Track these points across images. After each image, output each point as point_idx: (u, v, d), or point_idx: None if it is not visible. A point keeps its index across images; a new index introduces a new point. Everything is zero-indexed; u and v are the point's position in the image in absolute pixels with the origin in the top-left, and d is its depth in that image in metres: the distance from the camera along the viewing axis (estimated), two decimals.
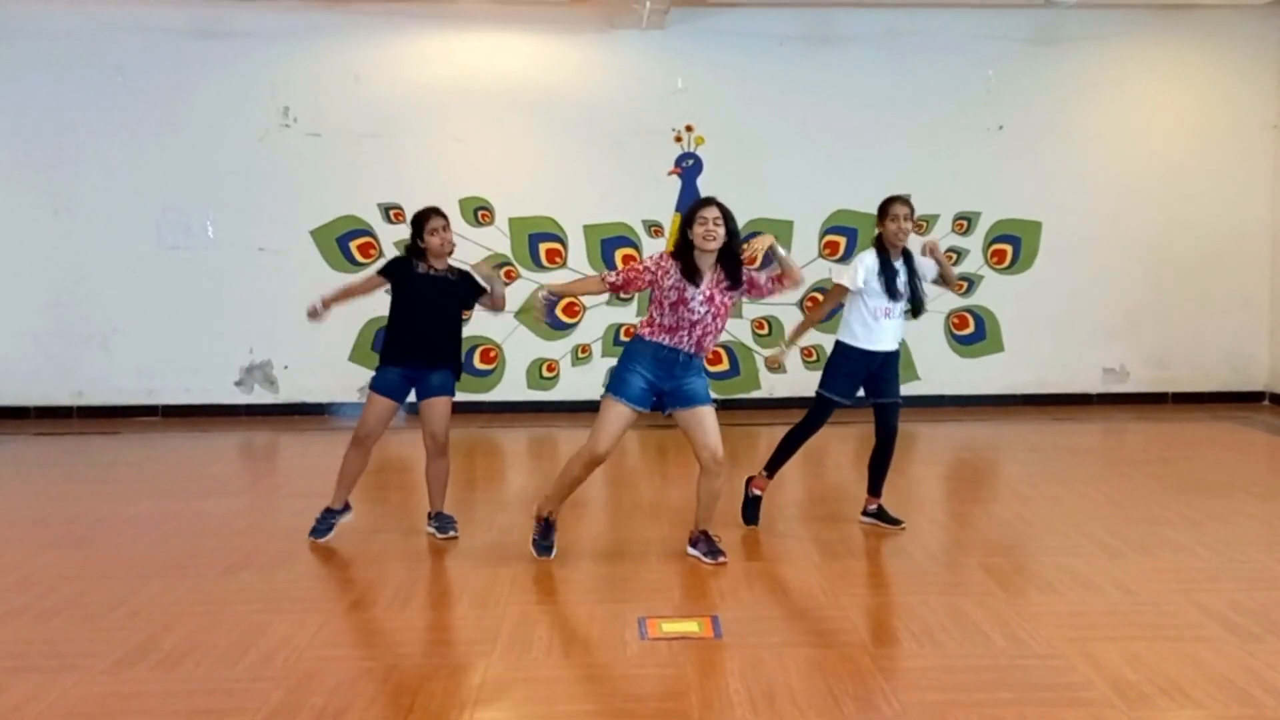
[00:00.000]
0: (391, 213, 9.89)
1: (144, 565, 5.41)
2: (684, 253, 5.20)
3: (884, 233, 5.77)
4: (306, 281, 9.57)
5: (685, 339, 5.21)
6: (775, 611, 4.71)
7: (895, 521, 6.03)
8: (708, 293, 5.18)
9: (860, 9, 10.06)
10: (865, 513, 6.13)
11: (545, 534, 5.52)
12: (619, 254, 10.13)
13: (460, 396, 9.75)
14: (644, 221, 10.15)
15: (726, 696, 3.77)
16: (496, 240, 10.03)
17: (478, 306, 6.00)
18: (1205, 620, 4.46)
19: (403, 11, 9.84)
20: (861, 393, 5.98)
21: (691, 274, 5.15)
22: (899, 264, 5.78)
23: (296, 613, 4.66)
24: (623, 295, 5.69)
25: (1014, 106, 10.19)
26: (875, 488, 6.09)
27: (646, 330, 5.27)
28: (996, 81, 10.19)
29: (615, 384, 5.25)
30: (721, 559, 5.37)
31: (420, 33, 9.94)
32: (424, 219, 5.77)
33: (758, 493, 6.16)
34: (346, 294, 5.91)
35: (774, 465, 6.16)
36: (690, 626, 4.47)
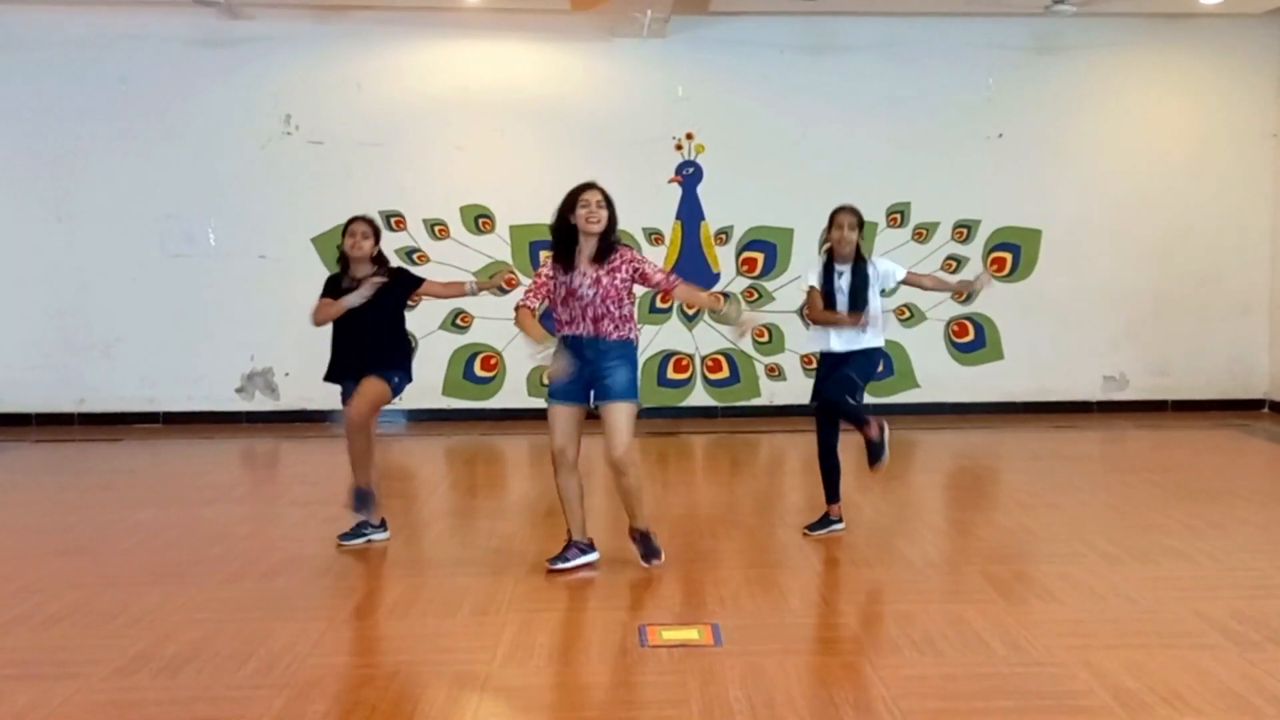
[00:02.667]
0: (393, 220, 9.91)
1: (146, 573, 5.42)
2: (564, 239, 5.28)
3: (830, 240, 5.89)
4: (308, 289, 9.51)
5: (581, 324, 5.27)
6: (776, 619, 4.71)
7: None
8: (593, 275, 5.23)
9: (860, 18, 10.08)
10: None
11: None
12: None
13: (461, 404, 9.97)
14: (644, 229, 10.16)
15: (727, 704, 3.77)
16: (497, 248, 10.05)
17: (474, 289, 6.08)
18: (1206, 628, 4.46)
19: (404, 20, 9.87)
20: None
21: (570, 261, 5.24)
22: (844, 268, 5.86)
23: (298, 620, 4.67)
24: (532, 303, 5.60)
25: (1014, 115, 10.21)
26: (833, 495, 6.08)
27: (556, 328, 5.38)
28: (996, 90, 10.21)
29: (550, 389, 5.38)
30: (655, 561, 5.40)
31: (421, 41, 9.97)
32: (346, 226, 5.91)
33: (835, 520, 6.07)
34: (321, 319, 5.96)
35: (830, 492, 6.09)
36: (690, 634, 4.47)
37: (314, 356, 9.72)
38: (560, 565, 5.37)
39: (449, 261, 9.82)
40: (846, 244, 5.82)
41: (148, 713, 3.77)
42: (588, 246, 5.27)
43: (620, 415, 5.30)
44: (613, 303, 5.26)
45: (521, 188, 10.02)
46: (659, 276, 5.41)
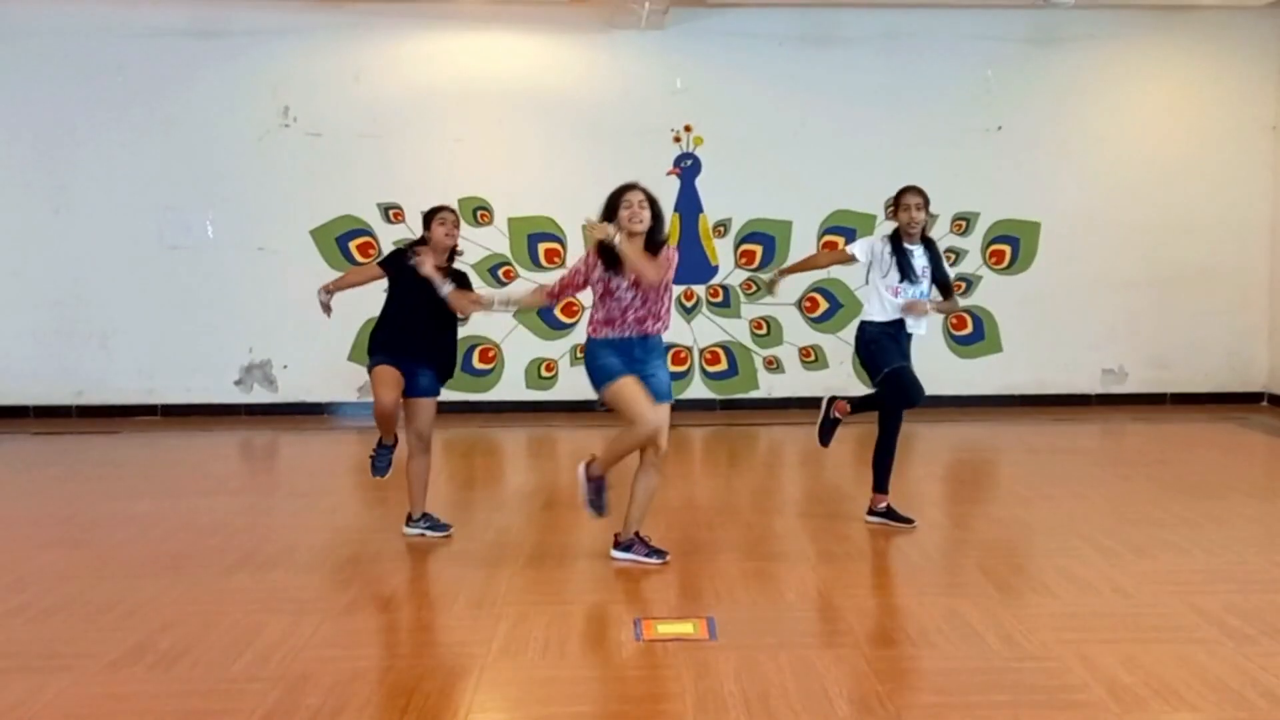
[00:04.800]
0: (391, 213, 9.90)
1: (141, 565, 5.41)
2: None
3: (898, 222, 5.96)
4: (306, 281, 9.54)
5: (623, 325, 5.24)
6: (770, 613, 4.70)
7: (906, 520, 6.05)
8: (633, 276, 5.18)
9: (859, 9, 10.06)
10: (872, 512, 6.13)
11: (598, 493, 5.52)
12: None
13: (459, 396, 9.96)
14: None
15: (721, 698, 3.77)
16: (496, 240, 10.04)
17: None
18: (1201, 623, 4.46)
19: (402, 11, 9.85)
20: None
21: (614, 262, 5.18)
22: (917, 248, 5.94)
23: (293, 613, 4.66)
24: (559, 300, 5.56)
25: (1012, 107, 10.20)
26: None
27: (592, 330, 5.33)
28: (995, 82, 10.19)
29: (600, 376, 5.25)
30: (664, 558, 5.39)
31: (420, 33, 9.94)
32: (435, 211, 5.83)
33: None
34: (347, 283, 5.95)
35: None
36: (685, 628, 4.47)
37: (313, 349, 9.83)
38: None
39: None
40: (915, 224, 5.89)
41: (143, 705, 3.77)
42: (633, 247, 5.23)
43: (666, 415, 5.30)
44: (655, 302, 5.24)
45: (520, 180, 10.02)
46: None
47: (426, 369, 5.80)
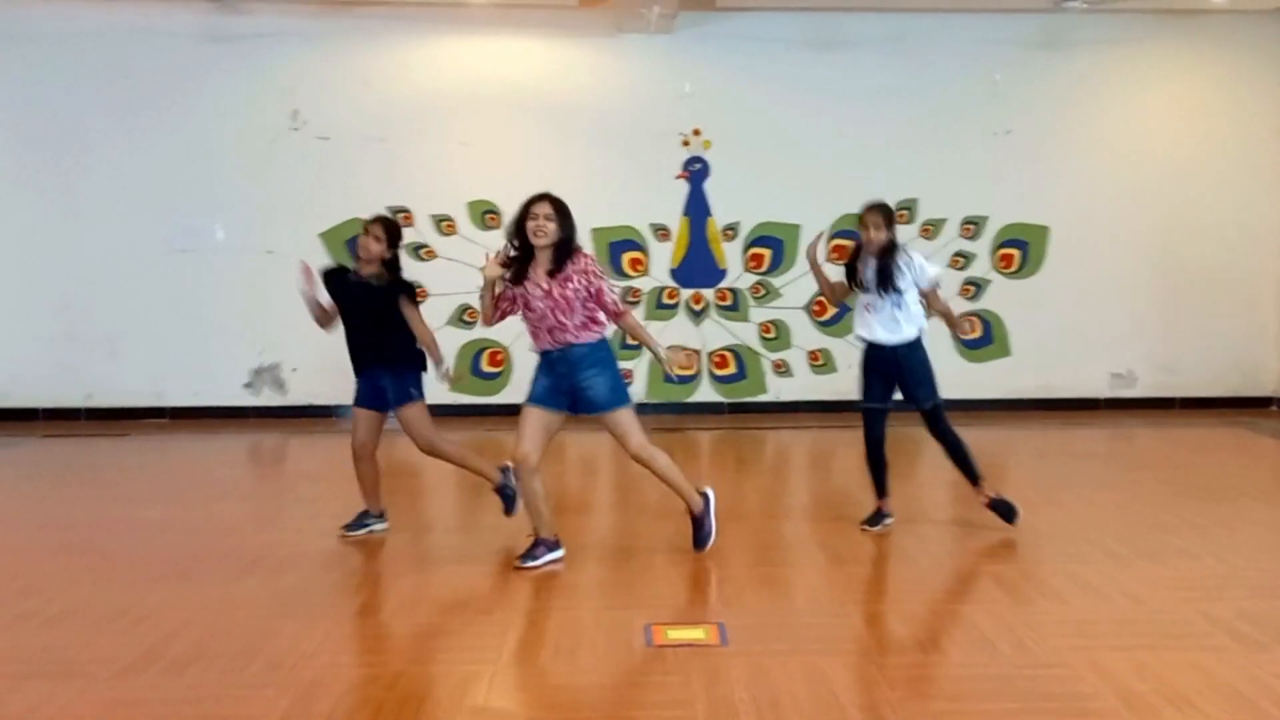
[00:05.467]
0: (400, 216, 9.89)
1: (151, 570, 5.42)
2: (521, 253, 5.27)
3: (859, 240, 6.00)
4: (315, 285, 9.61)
5: (542, 338, 5.31)
6: (781, 619, 4.70)
7: (1011, 514, 6.01)
8: (545, 286, 5.21)
9: (866, 13, 10.06)
10: (987, 503, 6.07)
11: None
12: (626, 257, 10.15)
13: (468, 400, 9.97)
14: (651, 225, 10.17)
15: (732, 705, 3.77)
16: (504, 244, 10.02)
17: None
18: (1213, 630, 4.44)
19: (411, 16, 9.87)
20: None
21: (520, 275, 5.25)
22: (870, 259, 5.91)
23: (303, 619, 4.67)
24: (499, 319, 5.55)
25: (1021, 111, 10.19)
26: (970, 480, 6.09)
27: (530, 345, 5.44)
28: (1003, 86, 10.18)
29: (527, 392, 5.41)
30: (699, 549, 5.51)
31: (428, 37, 9.96)
32: (367, 223, 5.94)
33: (883, 518, 6.13)
34: (317, 308, 6.03)
35: (877, 488, 6.16)
36: (696, 634, 4.46)
37: (321, 352, 9.80)
38: (530, 564, 5.37)
39: (456, 257, 9.82)
40: (873, 245, 5.88)
41: (154, 712, 3.77)
42: (542, 259, 5.25)
43: (619, 421, 5.36)
44: (564, 313, 5.22)
45: (528, 183, 9.80)
46: (610, 299, 5.31)
47: (386, 376, 5.85)
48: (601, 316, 5.34)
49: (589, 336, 5.29)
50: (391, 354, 5.85)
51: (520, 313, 5.37)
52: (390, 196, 9.90)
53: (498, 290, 5.38)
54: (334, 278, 6.00)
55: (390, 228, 5.92)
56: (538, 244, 5.20)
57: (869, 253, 5.93)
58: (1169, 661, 4.10)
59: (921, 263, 5.96)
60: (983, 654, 4.22)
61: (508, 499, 6.06)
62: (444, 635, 4.60)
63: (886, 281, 5.85)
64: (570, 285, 5.22)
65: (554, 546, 5.47)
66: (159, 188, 9.91)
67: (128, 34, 9.81)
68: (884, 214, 5.90)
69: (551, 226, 5.18)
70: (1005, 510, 6.02)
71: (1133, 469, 8.02)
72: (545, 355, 5.34)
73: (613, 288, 5.42)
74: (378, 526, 6.04)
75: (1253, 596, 4.87)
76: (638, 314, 9.97)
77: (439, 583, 5.28)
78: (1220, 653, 4.20)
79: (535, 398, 5.35)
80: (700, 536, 5.57)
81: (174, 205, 9.94)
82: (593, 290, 5.25)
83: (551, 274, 5.22)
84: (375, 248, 5.83)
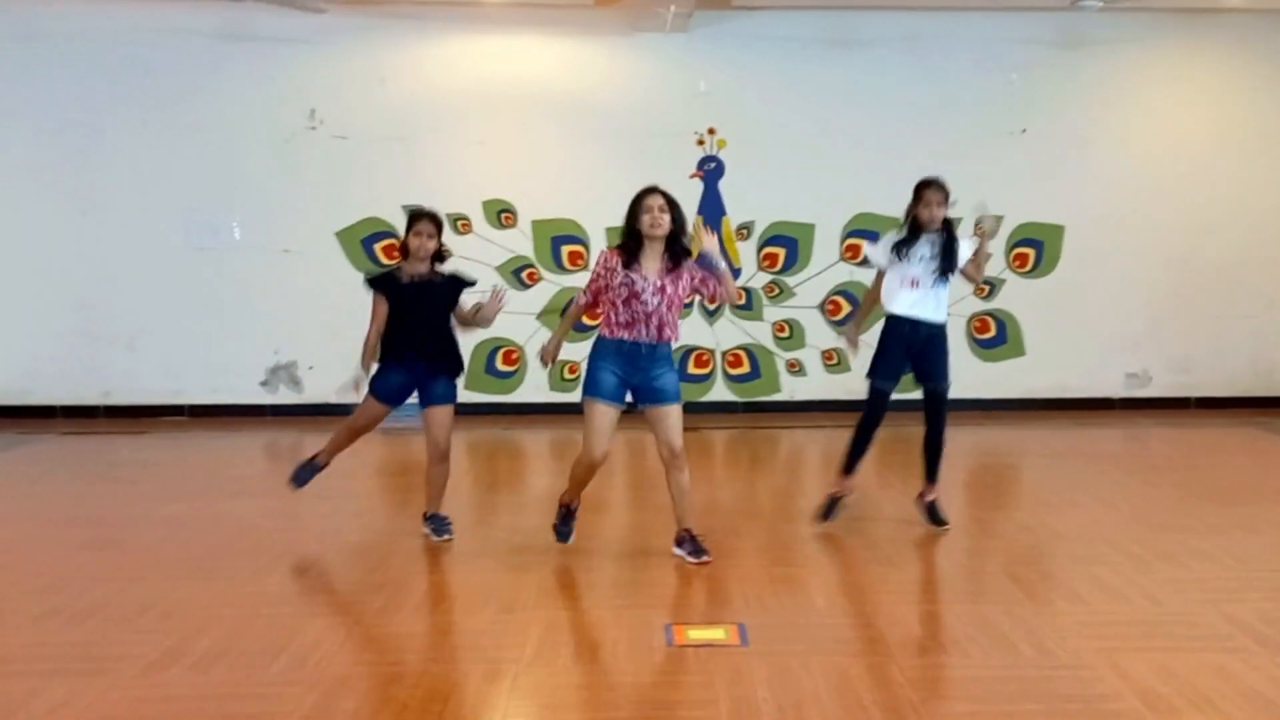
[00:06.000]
0: (412, 210, 9.92)
1: (174, 567, 5.46)
2: (631, 245, 5.28)
3: (916, 216, 5.91)
4: (331, 283, 9.66)
5: (643, 331, 5.29)
6: (801, 619, 4.72)
7: (940, 521, 6.06)
8: (658, 283, 5.25)
9: (883, 12, 10.05)
10: (919, 499, 6.15)
11: (565, 520, 5.69)
12: None
13: (482, 398, 10.00)
14: None
15: (754, 705, 3.79)
16: (519, 243, 10.06)
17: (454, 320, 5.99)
18: (1234, 631, 4.45)
19: (428, 15, 9.88)
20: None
21: (632, 263, 5.25)
22: (932, 236, 5.88)
23: (326, 616, 4.71)
24: (598, 310, 5.57)
25: (1037, 110, 10.16)
26: (928, 474, 6.13)
27: (605, 329, 5.36)
28: (1020, 85, 10.16)
29: (589, 385, 5.34)
30: (705, 558, 5.42)
31: (445, 36, 9.98)
32: (412, 220, 5.86)
33: (837, 494, 6.15)
34: (375, 334, 5.90)
35: (849, 464, 6.14)
36: (717, 634, 4.48)
37: (338, 350, 9.82)
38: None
39: (471, 256, 9.84)
40: (935, 222, 5.87)
41: (181, 709, 3.81)
42: (653, 251, 5.27)
43: (677, 416, 5.41)
44: (675, 311, 5.32)
45: (543, 182, 10.05)
46: (718, 287, 5.37)
47: (439, 375, 5.85)
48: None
49: (675, 337, 5.39)
50: (449, 352, 5.85)
51: (619, 304, 5.29)
52: (406, 195, 9.88)
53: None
54: (387, 283, 5.87)
55: (437, 221, 5.87)
56: (654, 235, 5.22)
57: (928, 229, 5.88)
58: (1190, 663, 4.11)
59: (965, 244, 6.01)
60: (1004, 655, 4.24)
61: (438, 529, 5.96)
62: (466, 634, 4.62)
63: (951, 261, 5.86)
64: (681, 283, 5.29)
65: (697, 550, 5.48)
66: (177, 186, 9.95)
67: (146, 33, 9.84)
68: (944, 191, 5.89)
69: (666, 218, 5.22)
70: (937, 516, 6.07)
71: (1149, 470, 8.01)
72: (630, 346, 5.29)
73: (718, 278, 5.42)
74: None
75: (1273, 598, 4.88)
76: None
77: (460, 581, 5.31)
78: (1242, 655, 4.21)
79: (606, 394, 5.29)
80: (700, 547, 5.51)
81: (192, 204, 9.98)
82: (702, 283, 5.34)
83: (664, 269, 5.26)
84: (431, 245, 5.81)
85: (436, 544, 5.85)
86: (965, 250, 5.99)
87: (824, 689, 3.92)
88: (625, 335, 5.30)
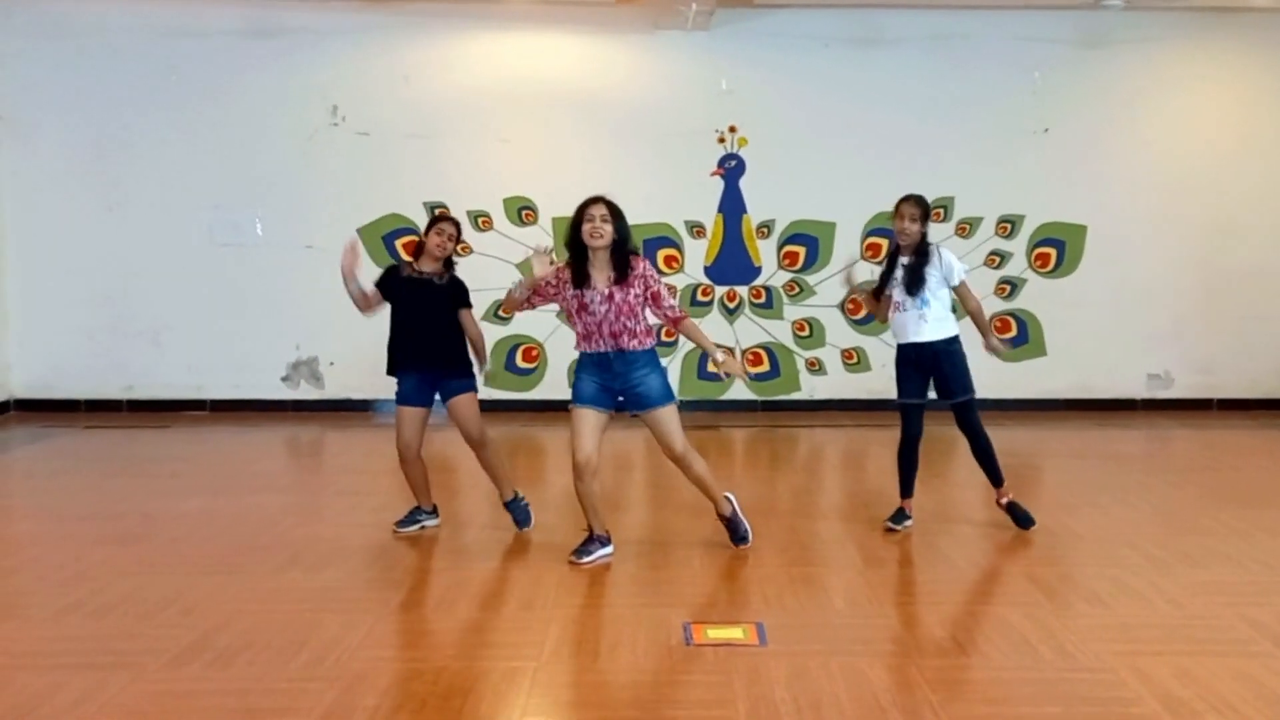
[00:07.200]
0: (437, 211, 9.92)
1: (196, 562, 5.50)
2: (576, 256, 5.28)
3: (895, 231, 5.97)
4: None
5: (600, 341, 5.30)
6: (819, 619, 4.71)
7: (1026, 521, 6.06)
8: (605, 291, 5.24)
9: (905, 11, 10.02)
10: (998, 505, 6.15)
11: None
12: (661, 254, 10.17)
13: (502, 395, 10.04)
14: (686, 222, 10.18)
15: (773, 705, 3.79)
16: (540, 240, 10.07)
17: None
18: (1256, 635, 4.42)
19: (450, 12, 9.92)
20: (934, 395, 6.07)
21: (581, 278, 5.25)
22: (904, 260, 5.90)
23: (347, 612, 4.73)
24: (529, 306, 5.54)
25: (1060, 109, 10.12)
26: (991, 480, 6.13)
27: (575, 345, 5.42)
28: (1042, 84, 10.12)
29: (573, 393, 5.41)
30: (743, 545, 5.64)
31: (467, 33, 10.01)
32: (436, 220, 5.93)
33: (905, 518, 6.14)
34: (358, 289, 5.97)
35: (904, 487, 6.16)
36: (735, 633, 4.48)
37: (359, 346, 9.88)
38: (584, 559, 5.42)
39: (491, 252, 9.89)
40: (905, 236, 5.87)
41: (203, 703, 3.83)
42: (598, 261, 5.28)
43: (667, 419, 5.39)
44: (628, 318, 5.27)
45: (564, 180, 10.01)
46: (668, 304, 5.37)
47: (441, 372, 5.89)
48: (652, 320, 5.38)
49: (647, 344, 5.34)
50: (450, 351, 5.88)
51: (574, 316, 5.35)
52: (428, 192, 9.98)
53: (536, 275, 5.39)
54: (385, 278, 5.99)
55: (458, 226, 5.95)
56: (595, 245, 5.22)
57: (903, 246, 5.91)
58: (1211, 667, 4.09)
59: (951, 260, 5.94)
60: (1023, 657, 4.23)
61: (518, 518, 6.08)
62: (486, 631, 4.64)
63: (915, 285, 5.84)
64: (632, 290, 5.26)
65: (606, 543, 5.53)
66: (201, 182, 10.02)
67: (171, 30, 9.92)
68: (919, 206, 5.88)
69: (608, 228, 5.20)
70: (1020, 515, 6.06)
71: (1171, 471, 7.97)
72: (597, 356, 5.34)
73: (669, 292, 5.44)
74: (429, 522, 6.11)
75: None
76: None
77: (479, 578, 5.33)
78: (1264, 659, 4.18)
79: (586, 399, 5.35)
80: (738, 536, 5.66)
81: (215, 200, 10.05)
82: (650, 294, 5.30)
83: (610, 278, 5.25)
84: (450, 247, 5.87)
85: (460, 542, 5.89)
86: (956, 269, 5.93)
87: (843, 689, 3.91)
88: (586, 347, 5.36)
